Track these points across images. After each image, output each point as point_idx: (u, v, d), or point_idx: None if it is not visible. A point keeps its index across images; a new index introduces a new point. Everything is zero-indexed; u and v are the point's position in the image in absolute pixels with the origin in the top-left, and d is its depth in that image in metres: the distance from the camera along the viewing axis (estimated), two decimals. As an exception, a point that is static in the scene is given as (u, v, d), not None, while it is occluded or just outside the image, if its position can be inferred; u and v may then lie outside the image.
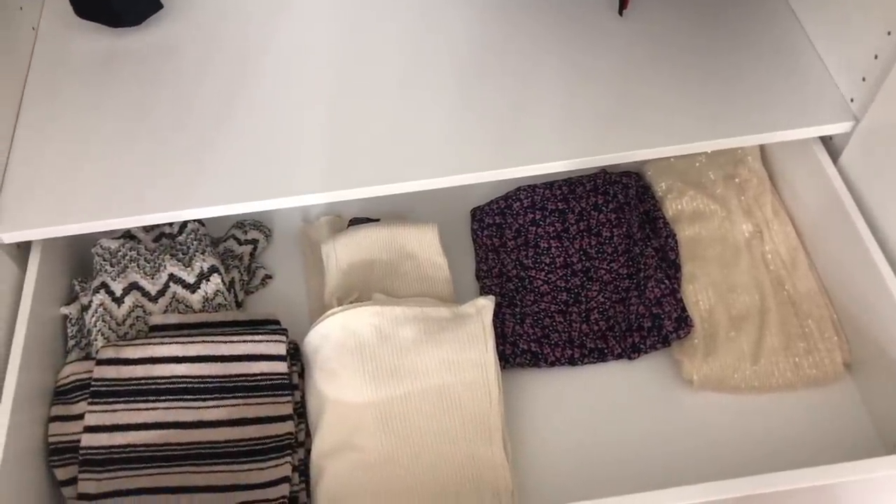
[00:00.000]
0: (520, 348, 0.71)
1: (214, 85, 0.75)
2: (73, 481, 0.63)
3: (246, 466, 0.65)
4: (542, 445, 0.68)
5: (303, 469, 0.66)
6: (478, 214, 0.81)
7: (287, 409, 0.67)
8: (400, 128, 0.71)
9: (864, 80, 0.68)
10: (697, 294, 0.73)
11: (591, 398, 0.71)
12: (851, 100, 0.69)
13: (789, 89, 0.72)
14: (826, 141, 0.73)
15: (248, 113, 0.73)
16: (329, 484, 0.65)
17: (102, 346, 0.67)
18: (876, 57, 0.66)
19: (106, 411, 0.64)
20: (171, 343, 0.67)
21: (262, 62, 0.77)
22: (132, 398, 0.65)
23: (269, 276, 0.79)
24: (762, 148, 0.81)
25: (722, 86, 0.72)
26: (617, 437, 0.68)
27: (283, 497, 0.63)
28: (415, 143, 0.70)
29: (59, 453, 0.64)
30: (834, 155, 0.72)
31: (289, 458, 0.65)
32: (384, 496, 0.64)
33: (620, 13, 0.78)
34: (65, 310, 0.71)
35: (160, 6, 0.80)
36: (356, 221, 0.80)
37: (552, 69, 0.75)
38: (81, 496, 0.62)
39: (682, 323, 0.71)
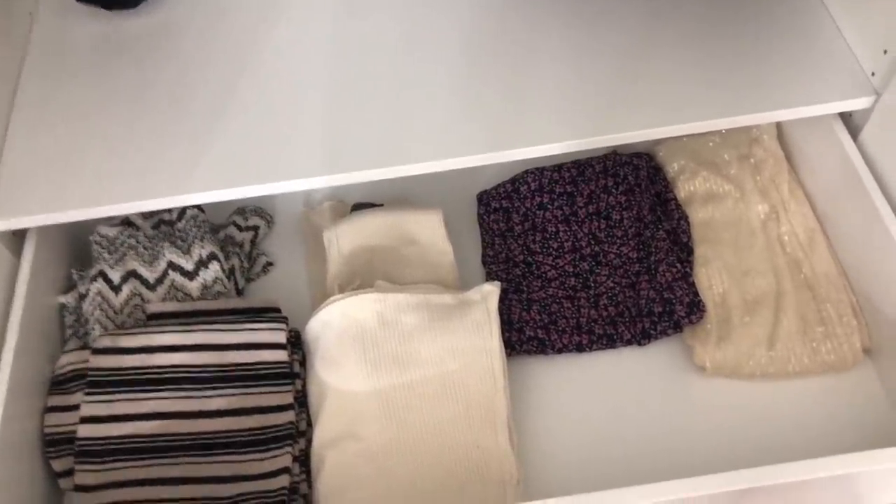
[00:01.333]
0: (526, 335, 0.69)
1: (214, 68, 0.73)
2: (69, 473, 0.62)
3: (246, 457, 0.63)
4: (549, 434, 0.66)
5: (304, 459, 0.65)
6: (484, 198, 0.79)
7: (288, 399, 0.65)
8: (402, 110, 0.69)
9: (885, 52, 0.65)
10: (711, 278, 0.71)
11: (600, 386, 0.68)
12: (872, 74, 0.66)
13: (806, 63, 0.69)
14: (845, 117, 0.70)
15: (249, 96, 0.71)
16: (330, 474, 0.63)
17: (99, 336, 0.65)
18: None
19: (103, 402, 0.63)
20: (169, 332, 0.66)
21: (263, 44, 0.75)
22: (129, 388, 0.64)
23: (270, 263, 0.77)
24: (778, 126, 0.78)
25: (734, 60, 0.70)
26: (627, 425, 0.66)
27: (283, 488, 0.62)
28: (418, 125, 0.68)
29: (55, 444, 0.63)
30: (854, 132, 0.69)
31: (289, 449, 0.63)
32: (386, 486, 0.63)
33: (629, -12, 0.75)
34: (62, 298, 0.70)
35: (157, -12, 0.78)
36: (359, 207, 0.78)
37: (556, 47, 0.72)
38: (79, 488, 0.61)
39: (695, 308, 0.68)
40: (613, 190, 0.76)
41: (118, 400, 0.63)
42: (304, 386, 0.67)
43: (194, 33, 0.77)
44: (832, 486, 0.57)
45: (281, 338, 0.66)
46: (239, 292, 0.74)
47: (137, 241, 0.72)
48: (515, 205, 0.77)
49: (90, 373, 0.64)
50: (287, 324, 0.68)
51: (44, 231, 0.69)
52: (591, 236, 0.75)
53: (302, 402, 0.67)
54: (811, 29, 0.71)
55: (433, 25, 0.75)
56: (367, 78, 0.72)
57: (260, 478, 0.62)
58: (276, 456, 0.63)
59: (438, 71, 0.72)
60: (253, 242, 0.77)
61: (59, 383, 0.65)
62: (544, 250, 0.74)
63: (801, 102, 0.67)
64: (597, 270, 0.73)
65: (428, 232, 0.74)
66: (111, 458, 0.62)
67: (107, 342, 0.65)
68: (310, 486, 0.64)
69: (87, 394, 0.63)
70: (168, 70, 0.74)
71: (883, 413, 0.65)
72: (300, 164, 0.66)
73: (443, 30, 0.75)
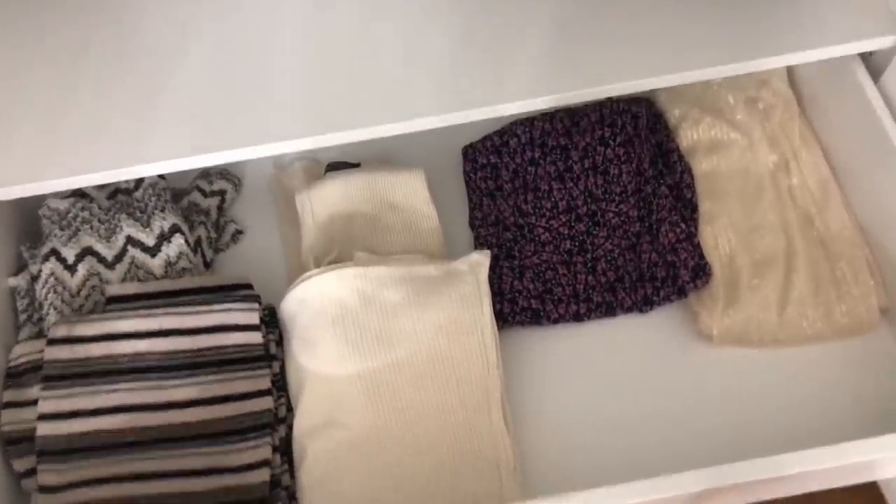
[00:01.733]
0: (519, 306, 0.64)
1: (167, 16, 0.65)
2: (32, 472, 0.58)
3: (222, 448, 0.59)
4: (546, 412, 0.62)
5: (285, 448, 0.60)
6: (470, 153, 0.72)
7: (265, 384, 0.60)
8: (374, 66, 0.62)
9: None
10: (717, 237, 0.66)
11: (600, 357, 0.64)
12: (898, 10, 0.60)
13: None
14: (865, 58, 0.63)
15: (208, 49, 0.64)
16: (313, 465, 0.59)
17: (54, 324, 0.60)
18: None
19: (62, 397, 0.58)
20: (131, 317, 0.60)
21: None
22: (91, 380, 0.59)
23: (240, 232, 0.71)
24: (789, 67, 0.72)
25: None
26: (628, 400, 0.62)
27: (264, 482, 0.57)
28: (391, 82, 0.61)
29: (14, 443, 0.58)
30: (875, 74, 0.63)
31: (268, 439, 0.59)
32: (374, 475, 0.59)
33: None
34: (13, 281, 0.64)
35: (95, -75, 0.69)
36: (334, 167, 0.72)
37: None
38: (43, 489, 0.57)
39: (700, 272, 0.63)
40: (611, 141, 0.70)
41: (79, 394, 0.58)
42: (281, 368, 0.62)
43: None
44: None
45: (254, 319, 0.61)
46: (207, 265, 0.68)
47: (92, 214, 0.66)
48: (504, 160, 0.71)
49: (45, 365, 0.59)
50: (260, 302, 0.63)
51: (-15, 208, 0.63)
52: (587, 194, 0.69)
53: (280, 385, 0.62)
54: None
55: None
56: (336, 32, 0.64)
57: (238, 471, 0.58)
58: (255, 447, 0.58)
59: (410, 22, 0.64)
60: (220, 209, 0.71)
61: (14, 376, 0.60)
62: (537, 211, 0.69)
63: (816, 43, 0.60)
64: (594, 232, 0.67)
65: (410, 194, 0.69)
66: (76, 457, 0.57)
67: (63, 331, 0.59)
68: (292, 476, 0.60)
69: (44, 388, 0.58)
70: (113, 23, 0.66)
71: (900, 378, 0.62)
72: (268, 127, 0.60)
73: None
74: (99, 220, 0.66)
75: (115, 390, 0.59)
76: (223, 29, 0.65)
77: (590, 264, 0.66)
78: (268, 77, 0.62)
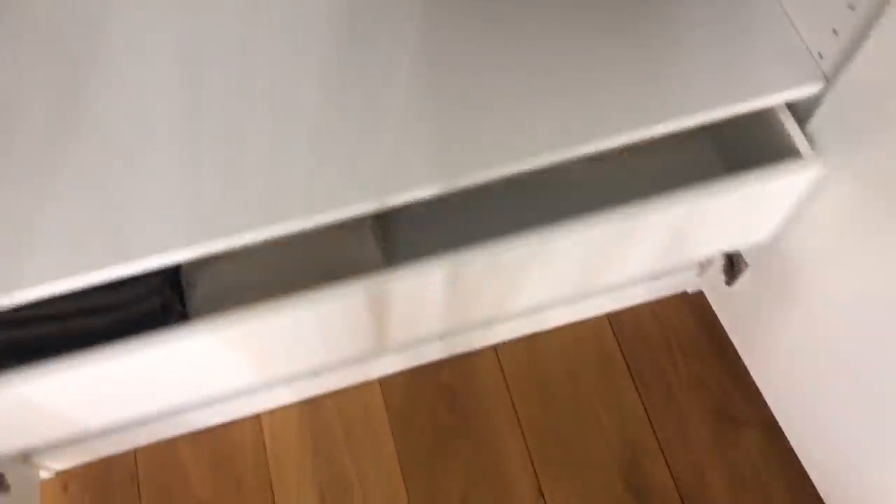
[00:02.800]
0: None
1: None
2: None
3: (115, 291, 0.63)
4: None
5: (174, 283, 0.66)
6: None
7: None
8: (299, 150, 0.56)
9: (835, 32, 0.57)
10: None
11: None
12: (820, 55, 0.59)
13: (744, 47, 0.59)
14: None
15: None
16: (206, 287, 0.66)
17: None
18: (852, 7, 0.55)
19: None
20: None
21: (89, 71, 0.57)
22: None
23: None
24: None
25: (651, 51, 0.59)
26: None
27: (155, 306, 0.64)
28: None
29: None
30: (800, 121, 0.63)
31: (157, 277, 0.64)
32: (257, 278, 0.66)
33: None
34: None
35: None
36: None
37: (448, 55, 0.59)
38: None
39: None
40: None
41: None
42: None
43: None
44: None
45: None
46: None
47: None
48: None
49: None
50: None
51: None
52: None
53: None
54: (748, 7, 0.60)
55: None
56: (231, 117, 0.56)
57: (131, 304, 0.65)
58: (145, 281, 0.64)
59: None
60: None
61: None
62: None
63: (737, 98, 0.58)
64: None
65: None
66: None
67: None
68: (184, 304, 0.67)
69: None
70: None
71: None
72: (148, 237, 0.54)
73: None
74: None
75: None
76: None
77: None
78: (144, 178, 0.55)
